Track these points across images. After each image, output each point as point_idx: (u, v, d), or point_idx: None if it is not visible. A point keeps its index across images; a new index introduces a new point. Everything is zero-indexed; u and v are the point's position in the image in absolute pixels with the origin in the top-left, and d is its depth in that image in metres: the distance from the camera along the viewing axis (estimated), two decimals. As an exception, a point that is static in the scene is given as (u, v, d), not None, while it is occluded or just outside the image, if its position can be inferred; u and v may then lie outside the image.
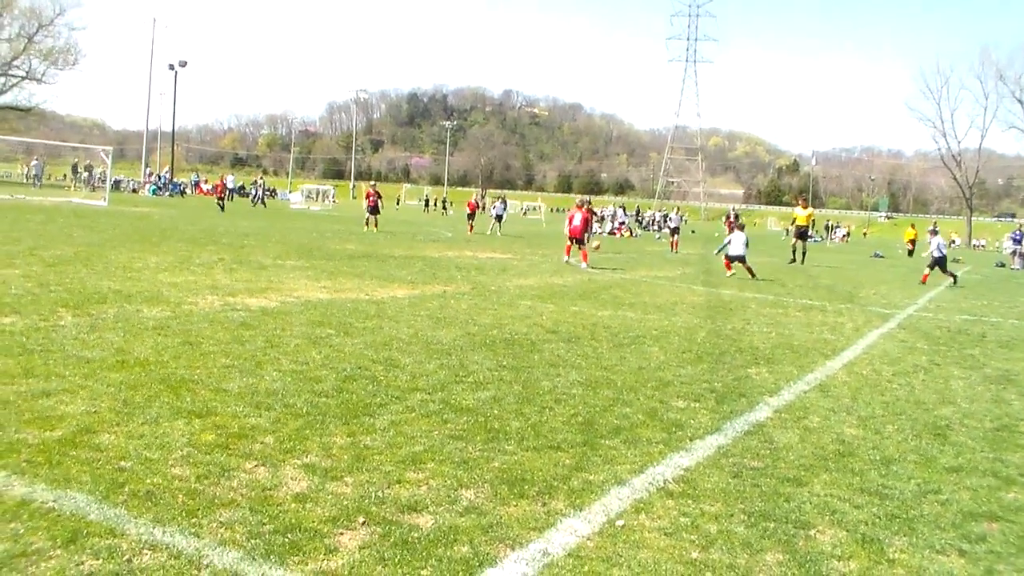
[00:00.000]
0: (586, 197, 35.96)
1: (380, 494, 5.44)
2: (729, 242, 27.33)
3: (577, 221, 27.76)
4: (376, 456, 6.19)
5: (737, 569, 4.75)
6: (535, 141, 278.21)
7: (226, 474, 5.59)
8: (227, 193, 58.96)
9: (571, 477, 6.06)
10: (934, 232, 33.75)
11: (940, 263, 30.09)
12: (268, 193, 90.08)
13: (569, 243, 27.81)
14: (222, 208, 50.47)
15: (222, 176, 66.60)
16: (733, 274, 26.44)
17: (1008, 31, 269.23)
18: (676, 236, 45.72)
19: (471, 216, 48.03)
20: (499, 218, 46.52)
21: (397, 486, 5.62)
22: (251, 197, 75.27)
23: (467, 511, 5.28)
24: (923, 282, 29.50)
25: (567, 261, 27.39)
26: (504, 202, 53.21)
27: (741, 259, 26.61)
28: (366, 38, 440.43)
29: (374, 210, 39.55)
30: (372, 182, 45.17)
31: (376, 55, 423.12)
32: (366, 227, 38.75)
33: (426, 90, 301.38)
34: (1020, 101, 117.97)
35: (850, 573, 4.85)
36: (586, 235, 28.31)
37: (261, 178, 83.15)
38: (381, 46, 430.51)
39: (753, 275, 26.12)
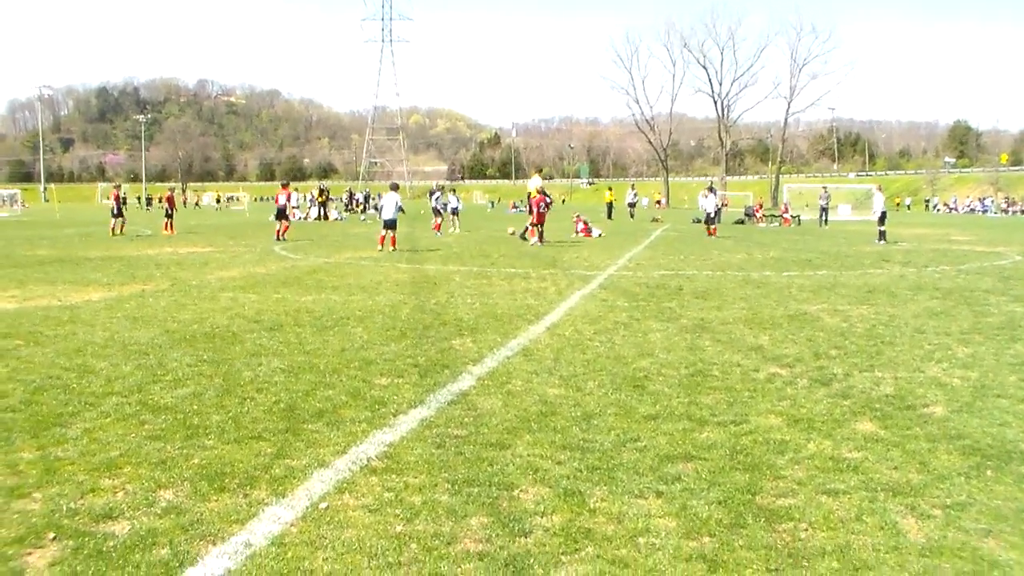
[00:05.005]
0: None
1: (72, 506, 5.19)
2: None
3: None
4: (68, 467, 5.89)
5: (442, 537, 4.81)
6: (234, 130, 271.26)
7: None
8: None
9: (273, 465, 5.98)
10: (712, 190, 40.91)
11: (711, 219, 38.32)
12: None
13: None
14: None
15: None
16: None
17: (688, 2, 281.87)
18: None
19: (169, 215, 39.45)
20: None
21: (91, 495, 5.38)
22: None
23: (166, 512, 5.11)
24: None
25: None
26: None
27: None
28: (47, 30, 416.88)
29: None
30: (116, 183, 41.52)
31: (59, 48, 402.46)
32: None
33: (116, 84, 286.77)
34: (704, 67, 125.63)
35: (553, 527, 4.99)
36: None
37: None
38: (64, 38, 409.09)
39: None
